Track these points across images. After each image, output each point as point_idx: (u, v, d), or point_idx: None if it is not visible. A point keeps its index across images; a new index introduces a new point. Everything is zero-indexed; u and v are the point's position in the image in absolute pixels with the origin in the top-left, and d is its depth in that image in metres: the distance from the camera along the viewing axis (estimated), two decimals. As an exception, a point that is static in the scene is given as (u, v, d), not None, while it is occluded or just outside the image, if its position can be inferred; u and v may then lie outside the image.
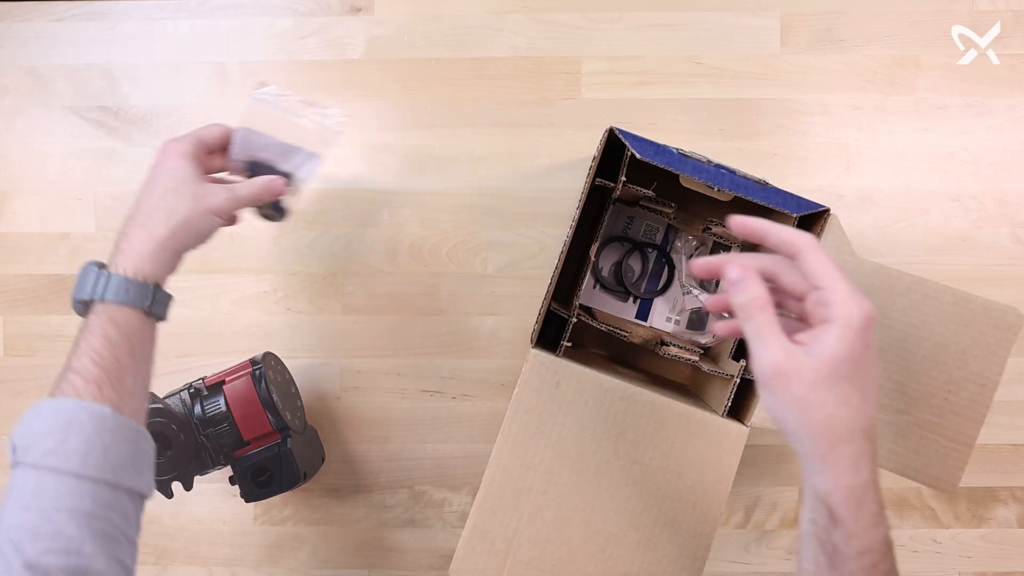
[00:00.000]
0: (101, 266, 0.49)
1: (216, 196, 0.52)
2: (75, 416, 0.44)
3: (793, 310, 0.46)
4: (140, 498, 0.46)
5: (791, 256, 0.43)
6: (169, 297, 0.50)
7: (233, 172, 0.58)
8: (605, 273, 0.69)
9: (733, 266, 0.44)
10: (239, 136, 0.58)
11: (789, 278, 0.45)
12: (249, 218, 0.72)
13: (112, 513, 0.43)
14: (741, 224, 0.45)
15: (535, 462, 0.57)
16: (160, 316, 0.50)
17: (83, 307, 0.48)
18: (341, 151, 0.73)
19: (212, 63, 0.73)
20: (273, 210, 0.59)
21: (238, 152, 0.57)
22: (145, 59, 0.73)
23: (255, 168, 0.58)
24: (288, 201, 0.60)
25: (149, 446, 0.48)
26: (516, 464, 0.56)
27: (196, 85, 0.73)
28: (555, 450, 0.57)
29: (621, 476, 0.57)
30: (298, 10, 0.73)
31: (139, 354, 0.48)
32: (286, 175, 0.58)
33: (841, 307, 0.40)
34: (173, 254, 0.50)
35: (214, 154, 0.56)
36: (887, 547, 0.42)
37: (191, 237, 0.51)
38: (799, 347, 0.41)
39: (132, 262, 0.48)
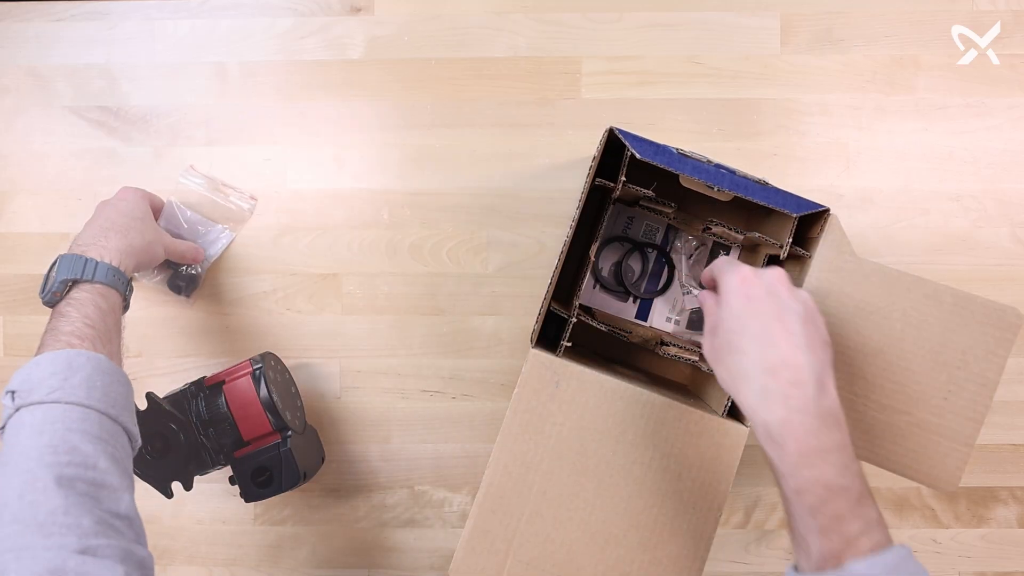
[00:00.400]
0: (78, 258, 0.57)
1: (166, 236, 0.66)
2: (75, 360, 0.49)
3: None
4: (133, 442, 0.51)
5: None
6: (132, 291, 0.60)
7: None
8: (605, 273, 0.69)
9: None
10: (167, 210, 0.70)
11: None
12: (241, 228, 0.72)
13: (117, 441, 0.48)
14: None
15: (535, 462, 0.57)
16: (127, 305, 0.60)
17: (64, 286, 0.55)
18: (341, 151, 0.73)
19: (212, 63, 0.73)
20: (182, 282, 0.70)
21: (163, 224, 0.70)
22: (145, 59, 0.73)
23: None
24: (196, 273, 0.71)
25: (133, 399, 0.53)
26: (516, 464, 0.56)
27: (196, 85, 0.73)
28: (555, 450, 0.57)
29: (621, 476, 0.57)
30: (298, 10, 0.73)
31: (119, 326, 0.57)
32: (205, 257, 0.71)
33: (722, 282, 0.51)
34: (138, 262, 0.61)
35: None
36: (826, 490, 0.43)
37: (149, 257, 0.62)
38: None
39: (115, 256, 0.58)
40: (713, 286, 0.54)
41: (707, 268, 0.55)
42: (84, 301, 0.54)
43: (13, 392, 0.48)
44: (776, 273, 0.49)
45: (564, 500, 0.56)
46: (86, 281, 0.55)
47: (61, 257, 0.57)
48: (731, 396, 0.50)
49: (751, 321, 0.47)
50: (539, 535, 0.56)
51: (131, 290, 0.60)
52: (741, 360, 0.47)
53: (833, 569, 0.42)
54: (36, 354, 0.51)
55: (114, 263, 0.57)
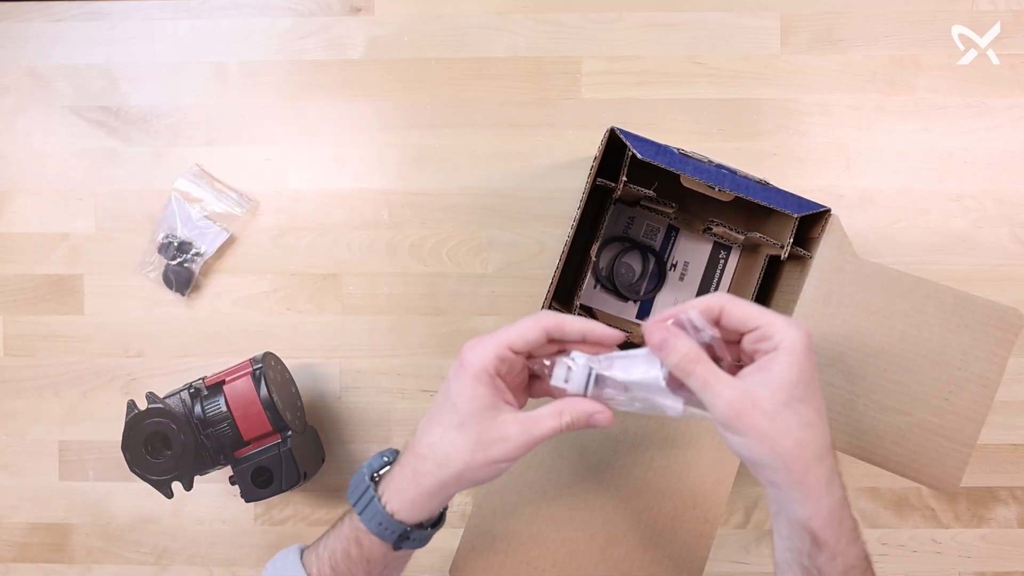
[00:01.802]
0: (375, 477, 0.47)
1: (506, 440, 0.43)
2: None
3: (725, 358, 0.44)
4: None
5: (716, 319, 0.43)
6: (429, 534, 0.47)
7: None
8: (606, 273, 0.69)
9: (652, 329, 0.42)
10: (167, 209, 0.70)
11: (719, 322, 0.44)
12: (241, 229, 0.72)
13: None
14: (652, 332, 0.43)
15: (535, 462, 0.57)
16: (415, 548, 0.47)
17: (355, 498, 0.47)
18: (341, 151, 0.73)
19: (212, 63, 0.73)
20: (173, 275, 0.69)
21: (163, 223, 0.69)
22: (145, 59, 0.73)
23: (181, 245, 0.70)
24: (189, 269, 0.70)
25: None
26: (517, 464, 0.56)
27: (196, 85, 0.73)
28: (555, 450, 0.57)
29: (622, 476, 0.56)
30: (298, 10, 0.73)
31: (376, 575, 0.47)
32: (199, 253, 0.71)
33: (783, 334, 0.40)
34: (440, 501, 0.45)
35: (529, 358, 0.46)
36: (867, 561, 0.43)
37: (466, 484, 0.44)
38: (749, 381, 0.41)
39: (394, 498, 0.45)
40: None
41: (725, 306, 0.42)
42: (345, 534, 0.46)
43: None
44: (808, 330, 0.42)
45: (564, 500, 0.56)
46: (356, 513, 0.46)
47: (365, 463, 0.47)
48: (786, 476, 0.40)
49: (815, 393, 0.41)
50: (539, 535, 0.56)
51: (421, 537, 0.46)
52: (812, 437, 0.40)
53: None
54: (309, 546, 0.48)
55: (387, 507, 0.44)
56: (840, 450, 0.56)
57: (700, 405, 0.42)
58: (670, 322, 0.43)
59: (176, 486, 0.61)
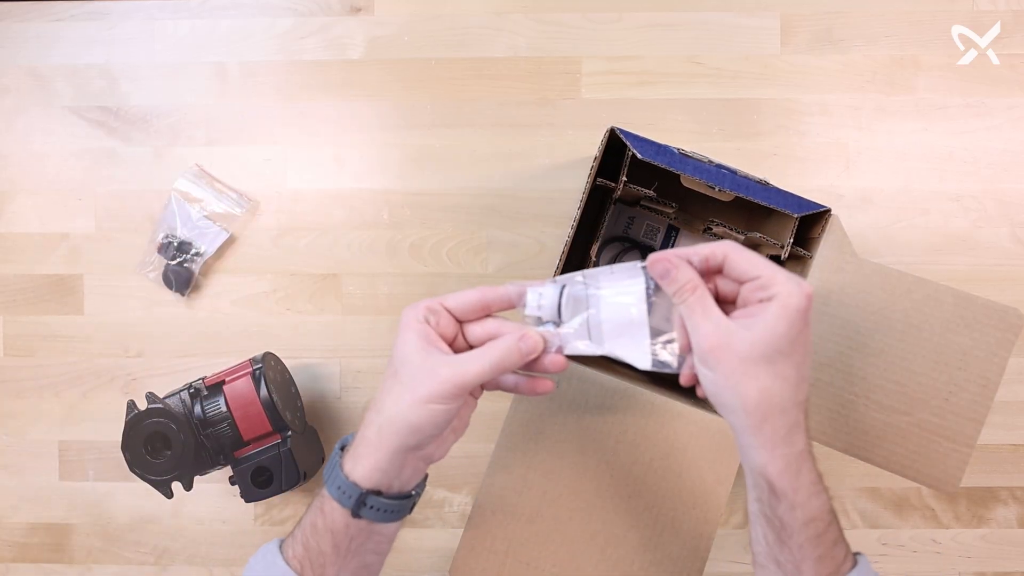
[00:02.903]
0: (344, 445, 0.47)
1: (435, 378, 0.42)
2: None
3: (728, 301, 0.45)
4: None
5: (719, 265, 0.43)
6: (389, 505, 0.45)
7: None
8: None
9: (657, 258, 0.43)
10: (167, 209, 0.69)
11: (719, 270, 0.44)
12: (241, 229, 0.72)
13: None
14: (656, 262, 0.43)
15: (535, 462, 0.57)
16: (377, 520, 0.45)
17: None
18: (341, 151, 0.73)
19: (212, 63, 0.73)
20: (173, 275, 0.69)
21: (163, 223, 0.69)
22: (145, 59, 0.73)
23: (181, 245, 0.70)
24: (189, 269, 0.70)
25: None
26: (516, 464, 0.56)
27: (196, 85, 0.73)
28: (555, 450, 0.57)
29: (621, 476, 0.56)
30: (298, 10, 0.73)
31: (342, 549, 0.45)
32: (199, 253, 0.71)
33: (782, 287, 0.40)
34: (384, 453, 0.43)
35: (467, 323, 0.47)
36: (831, 515, 0.43)
37: (403, 432, 0.43)
38: (736, 322, 0.41)
39: (352, 462, 0.44)
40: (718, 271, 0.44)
41: (729, 253, 0.42)
42: (314, 508, 0.45)
43: None
44: (811, 291, 0.41)
45: (564, 500, 0.56)
46: (324, 481, 0.45)
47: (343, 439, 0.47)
48: (744, 420, 0.41)
49: (799, 348, 0.41)
50: (539, 535, 0.56)
51: (384, 506, 0.44)
52: (782, 388, 0.41)
53: None
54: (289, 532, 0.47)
55: (346, 471, 0.44)
56: (840, 450, 0.56)
57: (671, 359, 0.44)
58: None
59: (176, 486, 0.61)
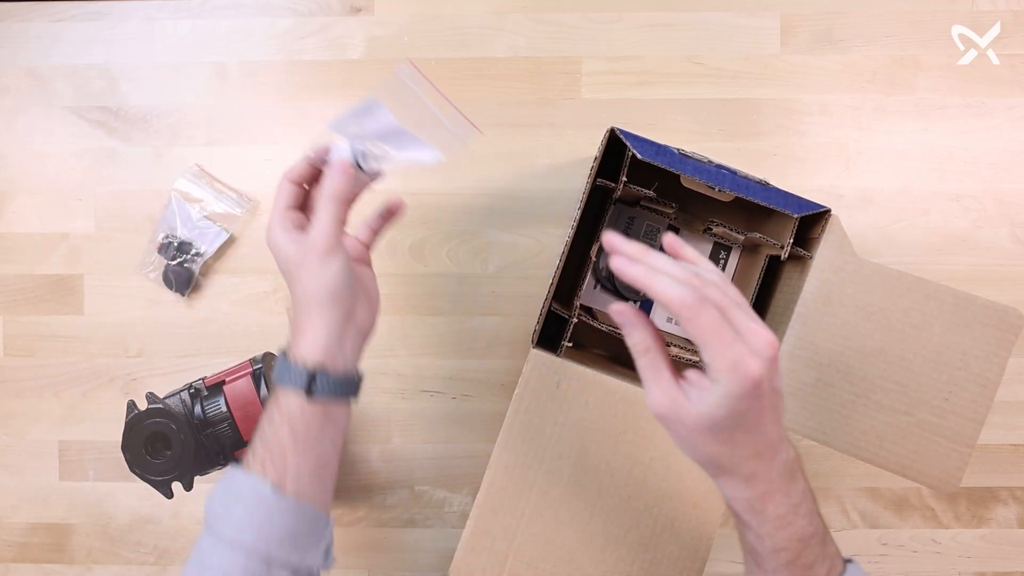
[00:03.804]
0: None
1: (311, 241, 0.47)
2: (240, 487, 0.45)
3: None
4: (302, 573, 0.46)
5: (676, 318, 0.43)
6: (337, 385, 0.47)
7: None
8: (606, 274, 0.69)
9: (619, 315, 0.44)
10: (167, 209, 0.63)
11: None
12: (241, 229, 0.72)
13: None
14: (617, 314, 0.44)
15: (536, 462, 0.57)
16: (328, 396, 0.47)
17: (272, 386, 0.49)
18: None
19: (212, 63, 0.73)
20: (173, 276, 0.68)
21: (163, 222, 0.63)
22: (145, 59, 0.73)
23: (181, 245, 0.67)
24: (189, 269, 0.69)
25: (314, 525, 0.47)
26: (517, 464, 0.56)
27: (196, 85, 0.73)
28: (556, 450, 0.57)
29: (622, 476, 0.57)
30: (298, 10, 0.73)
31: (300, 435, 0.46)
32: (199, 253, 0.67)
33: (721, 375, 0.39)
34: (317, 325, 0.47)
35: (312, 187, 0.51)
36: (804, 542, 0.43)
37: (323, 298, 0.47)
38: (684, 389, 0.41)
39: (295, 349, 0.47)
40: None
41: (683, 314, 0.40)
42: (267, 410, 0.47)
43: (205, 509, 0.47)
44: (771, 352, 0.40)
45: (565, 500, 0.56)
46: (274, 384, 0.48)
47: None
48: (711, 477, 0.44)
49: (749, 417, 0.40)
50: (540, 535, 0.56)
51: (329, 384, 0.47)
52: (730, 452, 0.41)
53: None
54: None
55: (290, 357, 0.47)
56: (840, 450, 0.56)
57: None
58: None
59: (176, 486, 0.61)
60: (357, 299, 0.50)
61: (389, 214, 0.55)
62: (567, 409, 0.57)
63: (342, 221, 0.48)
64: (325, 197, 0.48)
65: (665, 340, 0.65)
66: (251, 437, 0.48)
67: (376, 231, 0.56)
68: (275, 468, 0.45)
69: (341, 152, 0.50)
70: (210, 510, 0.46)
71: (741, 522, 0.44)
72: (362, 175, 0.50)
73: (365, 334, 0.52)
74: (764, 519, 0.43)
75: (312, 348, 0.46)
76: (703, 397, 0.40)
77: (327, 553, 0.49)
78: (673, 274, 0.41)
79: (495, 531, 0.56)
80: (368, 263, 0.55)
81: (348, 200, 0.49)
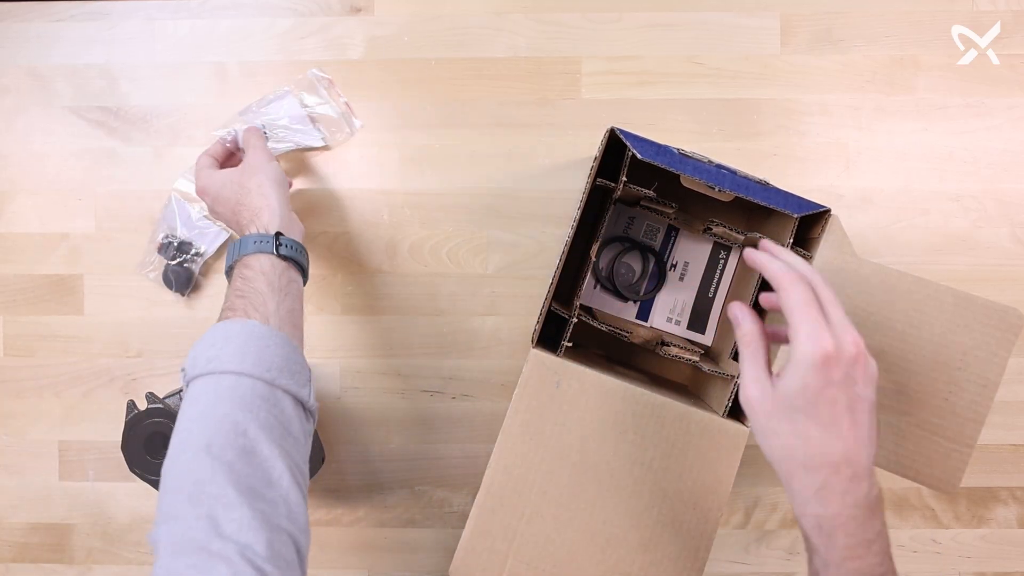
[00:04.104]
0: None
1: (238, 163, 0.64)
2: (229, 329, 0.49)
3: None
4: (299, 403, 0.49)
5: (776, 290, 0.46)
6: (297, 244, 0.57)
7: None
8: (605, 273, 0.69)
9: (733, 305, 0.48)
10: (167, 209, 0.72)
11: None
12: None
13: (272, 407, 0.47)
14: (749, 258, 0.49)
15: (535, 462, 0.57)
16: (290, 258, 0.55)
17: (230, 271, 0.56)
18: (341, 151, 0.73)
19: (212, 63, 0.73)
20: (173, 276, 0.70)
21: (163, 222, 0.72)
22: (145, 59, 0.73)
23: (181, 245, 0.72)
24: (189, 269, 0.71)
25: (301, 358, 0.51)
26: (516, 464, 0.56)
27: (196, 85, 0.73)
28: (556, 450, 0.57)
29: (622, 476, 0.57)
30: (298, 10, 0.73)
31: (275, 285, 0.53)
32: (199, 253, 0.71)
33: (798, 345, 0.42)
34: (282, 209, 0.58)
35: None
36: None
37: (273, 188, 0.59)
38: (772, 379, 0.44)
39: (255, 224, 0.56)
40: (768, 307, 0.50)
41: (782, 287, 0.45)
42: (234, 278, 0.54)
43: (183, 370, 0.49)
44: (856, 349, 0.43)
45: (565, 500, 0.56)
46: (237, 258, 0.55)
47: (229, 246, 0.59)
48: (778, 473, 0.45)
49: (823, 408, 0.42)
50: (540, 535, 0.56)
51: (292, 244, 0.56)
52: (805, 446, 0.43)
53: None
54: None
55: (248, 231, 0.57)
56: None
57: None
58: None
59: (176, 486, 0.61)
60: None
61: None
62: (567, 409, 0.57)
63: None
64: (248, 139, 0.65)
65: (666, 340, 0.65)
66: (225, 302, 0.53)
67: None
68: (258, 312, 0.50)
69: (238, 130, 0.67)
70: (198, 358, 0.48)
71: (810, 545, 0.44)
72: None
73: (298, 220, 0.61)
74: (833, 545, 0.43)
75: (272, 220, 0.56)
76: (784, 376, 0.43)
77: (312, 394, 0.52)
78: (787, 259, 0.47)
79: (495, 531, 0.56)
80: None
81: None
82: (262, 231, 0.55)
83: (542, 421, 0.57)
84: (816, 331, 0.42)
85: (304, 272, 0.58)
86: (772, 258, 0.47)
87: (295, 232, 0.58)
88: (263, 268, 0.53)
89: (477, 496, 0.56)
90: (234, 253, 0.55)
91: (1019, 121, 0.71)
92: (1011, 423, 0.72)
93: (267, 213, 0.57)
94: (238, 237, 0.57)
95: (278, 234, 0.55)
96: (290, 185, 0.67)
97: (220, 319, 0.51)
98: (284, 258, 0.55)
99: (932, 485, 0.56)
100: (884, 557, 0.43)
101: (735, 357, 0.62)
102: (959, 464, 0.55)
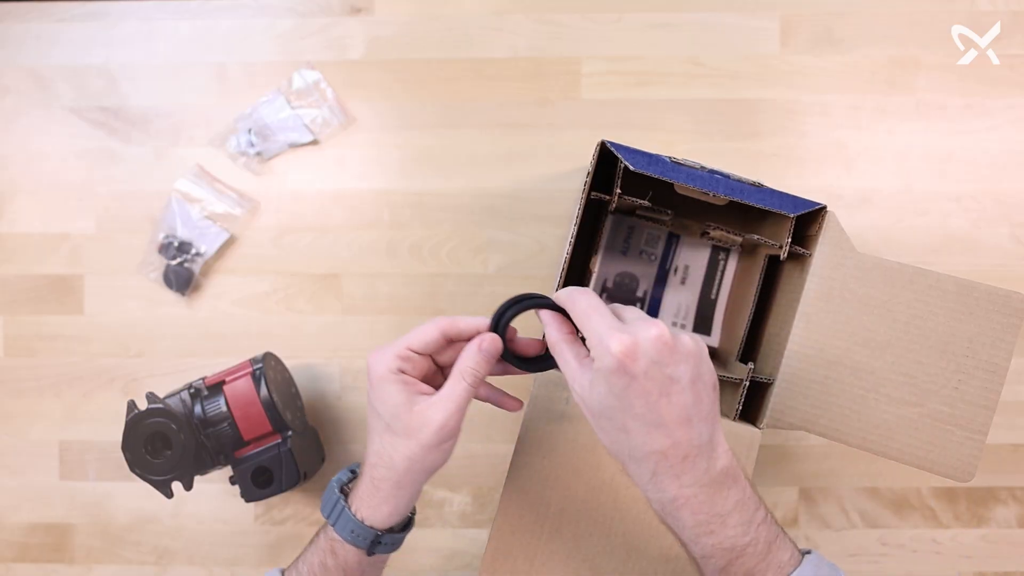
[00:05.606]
0: (344, 489, 0.49)
1: (430, 423, 0.45)
2: None
3: None
4: None
5: (566, 309, 0.45)
6: (400, 538, 0.49)
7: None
8: (608, 283, 0.68)
9: (541, 313, 0.47)
10: (167, 209, 0.70)
11: None
12: (241, 230, 0.72)
13: None
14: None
15: (551, 480, 0.56)
16: (389, 552, 0.49)
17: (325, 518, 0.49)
18: (341, 151, 0.73)
19: (212, 63, 0.73)
20: (173, 275, 0.69)
21: (163, 223, 0.70)
22: (145, 59, 0.73)
23: (181, 245, 0.71)
24: (189, 269, 0.70)
25: None
26: (532, 483, 0.56)
27: (196, 85, 0.73)
28: (569, 466, 0.56)
29: (638, 488, 0.56)
30: (298, 11, 0.73)
31: None
32: (199, 253, 0.71)
33: (596, 349, 0.41)
34: (406, 501, 0.47)
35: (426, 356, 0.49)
36: (731, 553, 0.43)
37: (421, 476, 0.47)
38: (585, 376, 0.43)
39: (362, 506, 0.47)
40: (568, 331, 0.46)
41: (565, 306, 0.45)
42: (320, 547, 0.48)
43: None
44: (655, 335, 0.41)
45: (583, 515, 0.56)
46: (330, 525, 0.48)
47: (334, 479, 0.50)
48: (622, 464, 0.45)
49: (635, 401, 0.41)
50: (560, 552, 0.55)
51: (393, 541, 0.48)
52: (628, 440, 0.42)
53: None
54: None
55: (358, 514, 0.47)
56: (855, 446, 0.56)
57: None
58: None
59: (176, 486, 0.61)
60: None
61: (500, 403, 0.53)
62: (578, 424, 0.56)
63: (470, 400, 0.46)
64: (461, 373, 0.46)
65: None
66: (298, 560, 0.49)
67: (484, 399, 0.53)
68: None
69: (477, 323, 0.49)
70: None
71: (668, 528, 0.44)
72: (500, 365, 0.49)
73: (424, 478, 0.49)
74: (682, 525, 0.43)
75: (388, 516, 0.47)
76: (592, 384, 0.43)
77: None
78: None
79: (515, 552, 0.56)
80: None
81: (482, 380, 0.47)
82: (366, 521, 0.46)
83: (554, 439, 0.56)
84: (606, 334, 0.41)
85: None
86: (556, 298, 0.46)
87: (401, 506, 0.47)
88: (347, 566, 0.47)
89: (495, 518, 0.56)
90: (329, 504, 0.48)
91: (1019, 121, 0.71)
92: (1011, 423, 0.72)
93: (389, 507, 0.47)
94: (340, 481, 0.50)
95: (379, 537, 0.47)
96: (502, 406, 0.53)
97: (287, 571, 0.49)
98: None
99: (947, 474, 0.55)
100: (748, 527, 0.43)
101: (742, 359, 0.62)
102: (973, 452, 0.55)
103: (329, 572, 0.47)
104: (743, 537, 0.43)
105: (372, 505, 0.46)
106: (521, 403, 0.52)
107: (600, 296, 0.68)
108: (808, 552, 0.45)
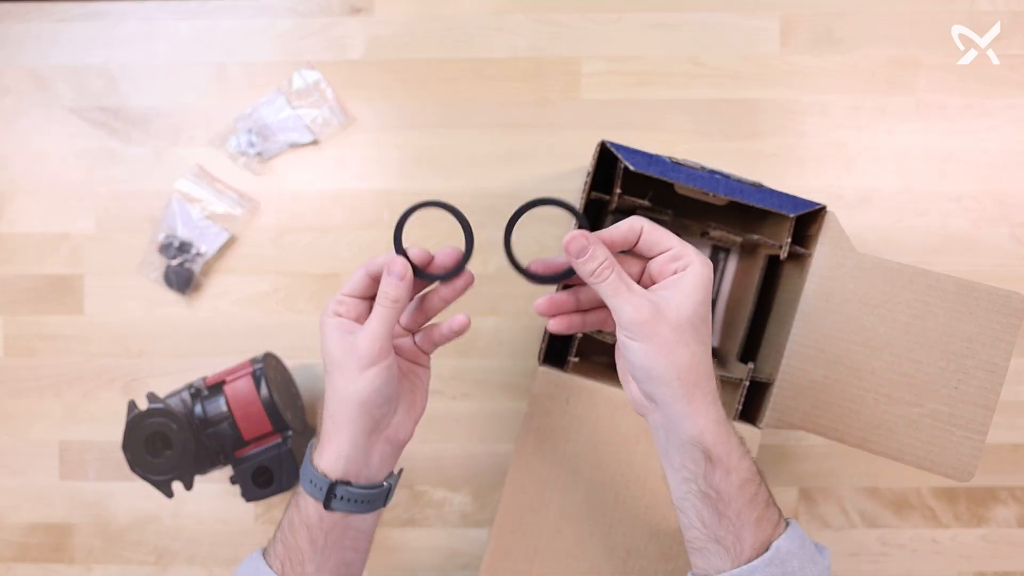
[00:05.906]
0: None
1: (356, 346, 0.44)
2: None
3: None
4: None
5: (634, 240, 0.45)
6: (359, 495, 0.46)
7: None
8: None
9: (575, 240, 0.43)
10: (168, 209, 0.70)
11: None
12: (241, 230, 0.72)
13: None
14: (573, 240, 0.44)
15: (551, 480, 0.56)
16: (349, 511, 0.46)
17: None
18: (341, 151, 0.73)
19: (212, 63, 0.73)
20: (173, 275, 0.69)
21: (164, 223, 0.70)
22: (145, 59, 0.73)
23: (182, 245, 0.70)
24: (189, 269, 0.70)
25: None
26: (532, 483, 0.56)
27: (196, 85, 0.73)
28: (570, 466, 0.56)
29: (638, 488, 0.56)
30: (298, 11, 0.73)
31: (319, 544, 0.45)
32: (199, 253, 0.71)
33: (695, 257, 0.43)
34: (344, 437, 0.45)
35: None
36: (760, 476, 0.44)
37: (354, 409, 0.44)
38: (658, 294, 0.43)
39: (320, 455, 0.45)
40: (555, 270, 0.47)
41: (643, 226, 0.44)
42: (290, 507, 0.47)
43: None
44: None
45: (583, 515, 0.56)
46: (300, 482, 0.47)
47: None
48: (671, 389, 0.42)
49: (708, 317, 0.43)
50: (560, 552, 0.56)
51: (352, 495, 0.45)
52: (705, 358, 0.43)
53: (764, 553, 0.42)
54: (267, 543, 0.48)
55: (318, 463, 0.45)
56: (854, 445, 0.56)
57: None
58: None
59: (176, 486, 0.61)
60: (396, 407, 0.47)
61: (454, 334, 0.50)
62: (579, 425, 0.56)
63: (392, 325, 0.45)
64: (378, 300, 0.45)
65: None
66: (274, 535, 0.47)
67: (438, 344, 0.51)
68: (294, 571, 0.45)
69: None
70: None
71: (710, 461, 0.42)
72: (420, 280, 0.47)
73: (399, 444, 0.48)
74: (731, 446, 0.43)
75: (334, 460, 0.45)
76: (678, 288, 0.42)
77: None
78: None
79: (516, 552, 0.56)
80: (425, 364, 0.51)
81: (403, 304, 0.45)
82: (319, 471, 0.45)
83: (555, 439, 0.56)
84: (697, 251, 0.43)
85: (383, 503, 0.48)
86: (604, 232, 0.45)
87: (373, 465, 0.46)
88: (309, 520, 0.45)
89: (496, 518, 0.56)
90: (302, 469, 0.47)
91: (1019, 121, 0.71)
92: (1011, 423, 0.72)
93: (333, 447, 0.45)
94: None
95: (334, 488, 0.45)
96: (457, 335, 0.50)
97: (271, 543, 0.47)
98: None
99: (947, 474, 0.55)
100: (751, 462, 0.45)
101: (742, 359, 0.62)
102: (973, 452, 0.55)
103: (295, 529, 0.46)
104: (755, 462, 0.44)
105: (320, 451, 0.45)
106: (467, 318, 0.49)
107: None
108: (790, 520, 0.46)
